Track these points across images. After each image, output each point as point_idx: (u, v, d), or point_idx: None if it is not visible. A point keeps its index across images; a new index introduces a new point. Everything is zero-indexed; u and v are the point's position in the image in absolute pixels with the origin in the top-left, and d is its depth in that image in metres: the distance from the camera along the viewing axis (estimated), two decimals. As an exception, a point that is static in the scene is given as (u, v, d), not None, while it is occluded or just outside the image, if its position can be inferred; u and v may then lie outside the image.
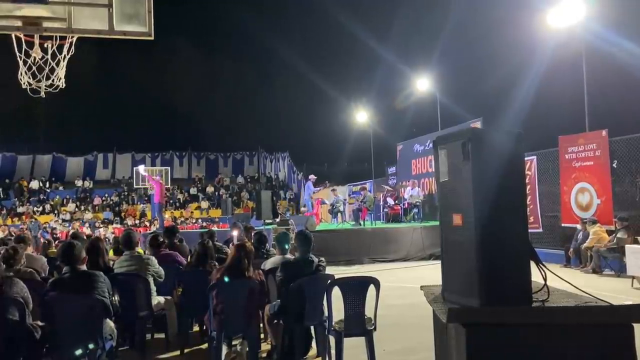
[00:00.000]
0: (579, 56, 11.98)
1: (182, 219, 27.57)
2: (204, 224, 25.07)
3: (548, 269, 2.70)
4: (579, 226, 10.99)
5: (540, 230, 12.52)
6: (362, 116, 25.71)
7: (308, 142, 40.16)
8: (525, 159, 3.16)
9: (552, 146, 12.26)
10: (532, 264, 2.67)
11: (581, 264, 10.63)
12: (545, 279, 2.72)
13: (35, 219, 26.93)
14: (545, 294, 2.70)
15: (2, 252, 4.81)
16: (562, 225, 11.90)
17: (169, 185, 27.97)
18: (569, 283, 2.87)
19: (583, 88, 11.74)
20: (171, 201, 30.42)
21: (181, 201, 31.38)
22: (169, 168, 29.47)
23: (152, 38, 4.98)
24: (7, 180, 32.05)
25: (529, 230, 2.97)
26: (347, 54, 42.40)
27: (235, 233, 7.89)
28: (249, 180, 35.66)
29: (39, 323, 4.01)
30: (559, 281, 2.85)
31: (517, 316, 2.46)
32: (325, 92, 36.22)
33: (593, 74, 12.07)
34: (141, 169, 20.75)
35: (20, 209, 28.81)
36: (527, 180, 10.82)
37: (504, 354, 2.41)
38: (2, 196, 30.44)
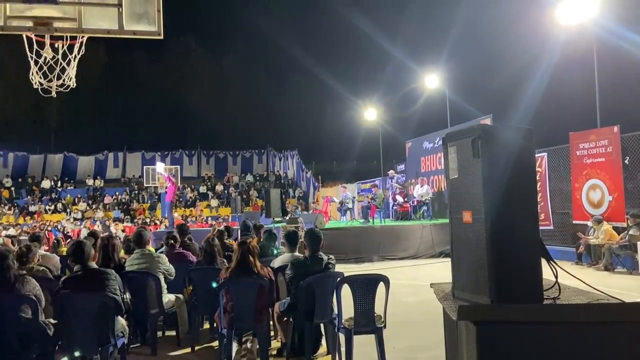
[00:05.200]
0: (590, 52, 11.86)
1: (192, 218, 27.70)
2: (213, 222, 25.16)
3: (559, 266, 2.68)
4: (589, 223, 10.91)
5: (551, 227, 12.43)
6: (370, 114, 25.65)
7: (317, 140, 40.24)
8: (536, 155, 3.13)
9: (563, 143, 12.16)
10: (543, 261, 2.65)
11: (593, 262, 10.55)
12: (556, 277, 2.70)
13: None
14: (556, 292, 2.69)
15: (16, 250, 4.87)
16: (574, 222, 11.81)
17: (179, 184, 28.11)
18: (581, 280, 2.85)
19: (594, 84, 11.62)
20: (180, 199, 30.56)
21: (191, 200, 31.52)
22: (178, 167, 29.62)
23: (162, 37, 5.00)
24: (19, 180, 32.39)
25: (540, 228, 2.95)
26: (356, 52, 42.39)
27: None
28: (258, 178, 35.73)
29: (52, 320, 4.06)
30: (571, 279, 2.84)
31: (528, 314, 2.44)
32: (334, 90, 36.28)
33: (604, 69, 11.95)
34: (160, 167, 20.83)
35: (32, 208, 29.10)
36: (537, 177, 10.74)
37: (515, 352, 2.40)
38: (14, 195, 30.76)
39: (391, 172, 18.39)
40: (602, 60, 11.85)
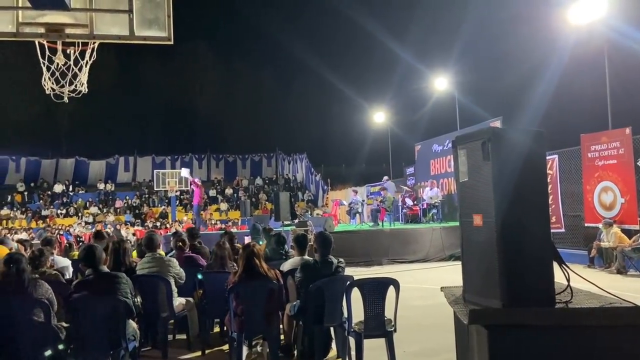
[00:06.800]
0: (601, 53, 11.77)
1: (202, 221, 27.80)
2: (222, 225, 25.25)
3: (571, 270, 2.66)
4: (600, 226, 10.81)
5: (563, 230, 12.33)
6: (379, 116, 25.64)
7: (326, 143, 40.28)
8: (547, 158, 3.11)
9: (574, 145, 12.07)
10: (555, 265, 2.63)
11: (605, 265, 10.44)
12: (568, 280, 2.68)
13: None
14: (568, 295, 2.66)
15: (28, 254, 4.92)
16: (586, 225, 11.70)
17: (189, 187, 28.28)
18: (593, 284, 2.83)
19: (605, 85, 11.53)
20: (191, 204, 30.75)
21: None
22: (188, 170, 29.78)
23: (172, 43, 5.04)
24: (32, 184, 32.73)
25: (551, 230, 2.93)
26: (365, 54, 42.41)
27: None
28: (267, 181, 35.80)
29: (64, 324, 4.09)
30: (583, 282, 2.81)
31: (540, 318, 2.43)
32: (343, 93, 36.29)
33: (615, 70, 11.84)
34: (185, 172, 21.17)
35: (44, 212, 29.39)
36: (548, 180, 10.63)
37: (527, 356, 2.38)
38: (27, 200, 31.09)
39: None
40: (613, 61, 11.76)
